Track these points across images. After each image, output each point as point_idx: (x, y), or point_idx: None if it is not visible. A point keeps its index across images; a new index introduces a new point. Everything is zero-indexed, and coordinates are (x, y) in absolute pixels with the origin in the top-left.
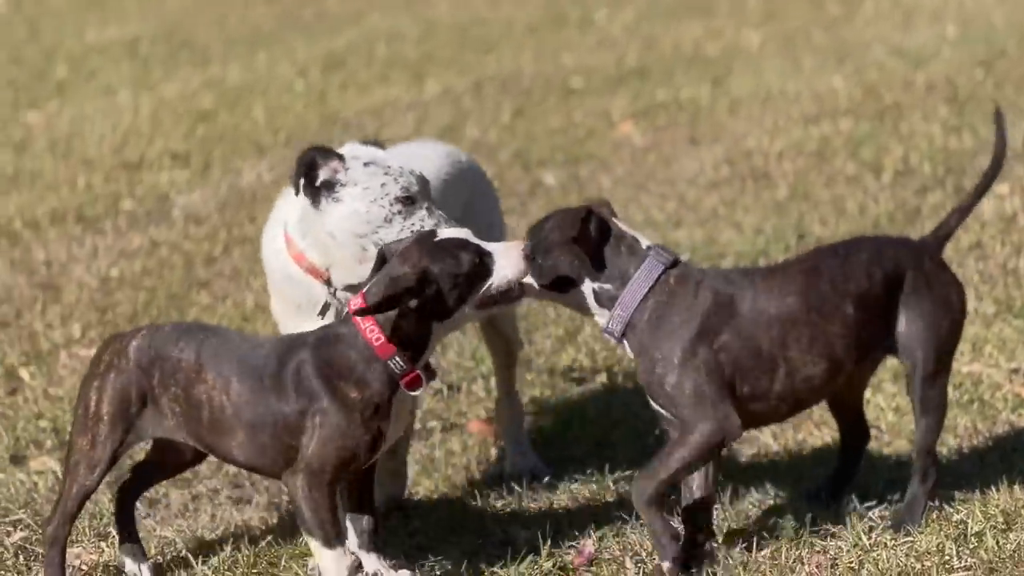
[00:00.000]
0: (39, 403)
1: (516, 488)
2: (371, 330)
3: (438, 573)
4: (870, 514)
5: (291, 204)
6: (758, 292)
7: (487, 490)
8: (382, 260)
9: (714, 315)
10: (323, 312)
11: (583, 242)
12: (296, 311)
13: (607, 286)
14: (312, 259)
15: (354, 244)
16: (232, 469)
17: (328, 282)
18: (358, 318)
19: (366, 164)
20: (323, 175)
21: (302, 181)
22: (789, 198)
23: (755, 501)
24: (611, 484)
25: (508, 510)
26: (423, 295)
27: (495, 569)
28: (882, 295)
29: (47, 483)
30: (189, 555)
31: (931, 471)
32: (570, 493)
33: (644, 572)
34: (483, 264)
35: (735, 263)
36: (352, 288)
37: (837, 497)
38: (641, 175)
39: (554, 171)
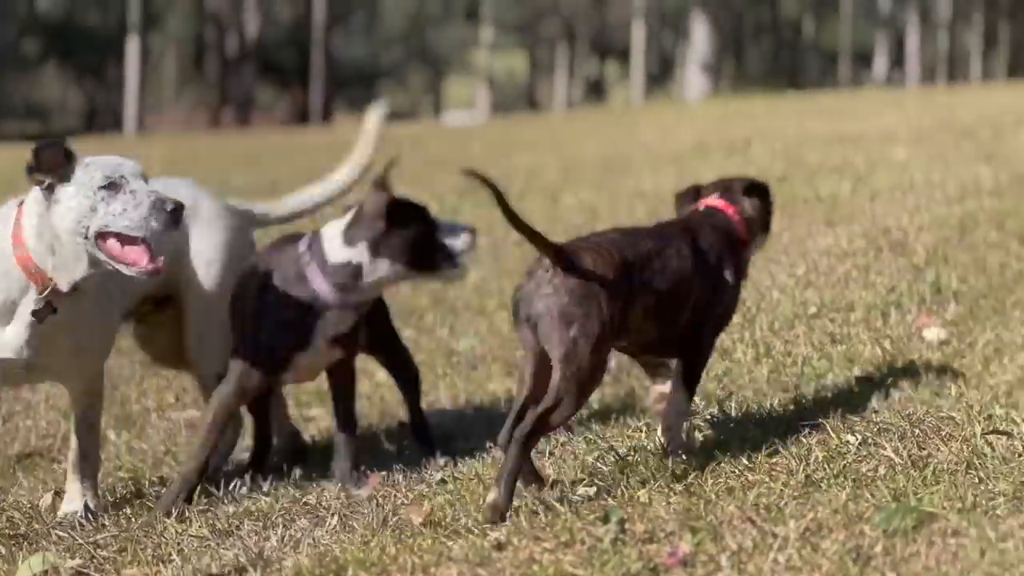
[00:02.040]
0: (121, 456)
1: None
2: None
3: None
4: None
5: (29, 208)
6: None
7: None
8: None
9: None
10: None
11: None
12: None
13: None
14: (39, 261)
15: (71, 240)
16: None
17: (45, 287)
18: None
19: (85, 164)
20: (49, 179)
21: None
22: (926, 262)
23: None
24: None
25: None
26: None
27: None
28: None
29: None
30: None
31: None
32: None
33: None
34: None
35: (865, 316)
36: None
37: None
38: (773, 251)
39: None
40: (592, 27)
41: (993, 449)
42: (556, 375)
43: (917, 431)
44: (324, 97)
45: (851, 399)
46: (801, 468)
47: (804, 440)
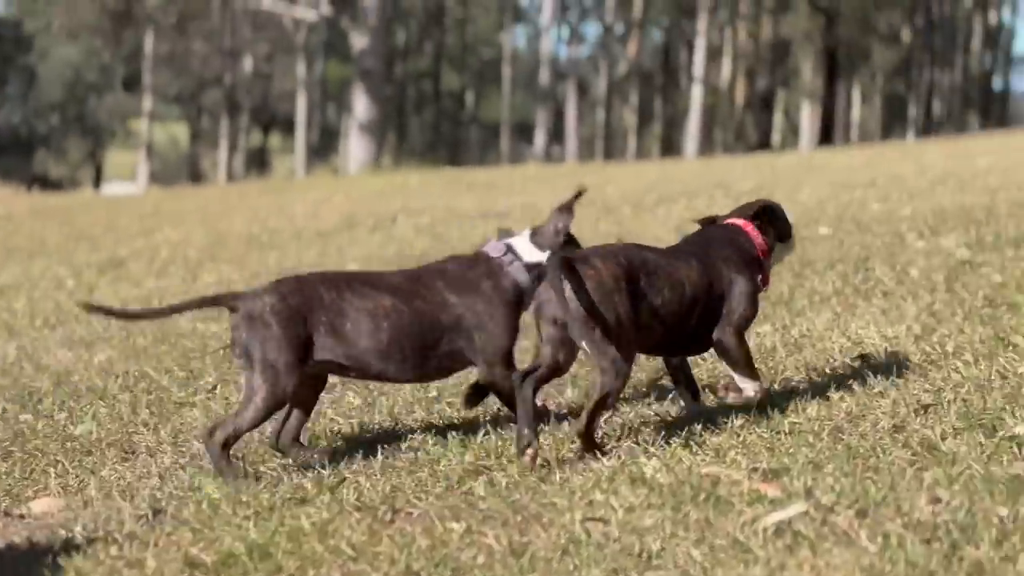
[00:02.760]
0: None
1: None
2: None
3: None
4: None
5: None
6: None
7: None
8: None
9: None
10: None
11: None
12: None
13: None
14: None
15: None
16: None
17: None
18: None
19: None
20: None
21: None
22: None
23: None
24: None
25: None
26: None
27: None
28: None
29: None
30: None
31: None
32: None
33: None
34: None
35: None
36: None
37: None
38: None
39: None
40: (255, 98)
41: (589, 536)
42: (595, 373)
43: (520, 517)
44: None
45: (459, 485)
46: (403, 557)
47: (408, 529)
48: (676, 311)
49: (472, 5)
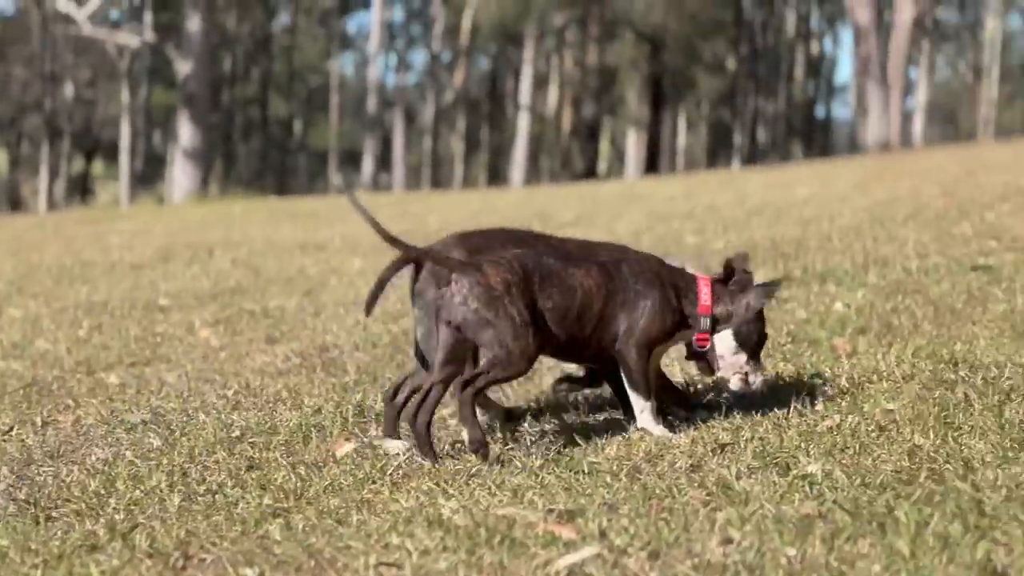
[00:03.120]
0: None
1: None
2: None
3: None
4: None
5: None
6: None
7: None
8: None
9: None
10: None
11: None
12: None
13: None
14: None
15: None
16: None
17: None
18: None
19: None
20: None
21: None
22: (356, 382)
23: None
24: None
25: None
26: None
27: None
28: None
29: None
30: None
31: None
32: None
33: None
34: None
35: (287, 439)
36: None
37: None
38: (208, 370)
39: (119, 372)
40: (77, 124)
41: None
42: (485, 357)
43: (314, 562)
44: None
45: (256, 528)
46: None
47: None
48: (565, 315)
49: (299, 32)
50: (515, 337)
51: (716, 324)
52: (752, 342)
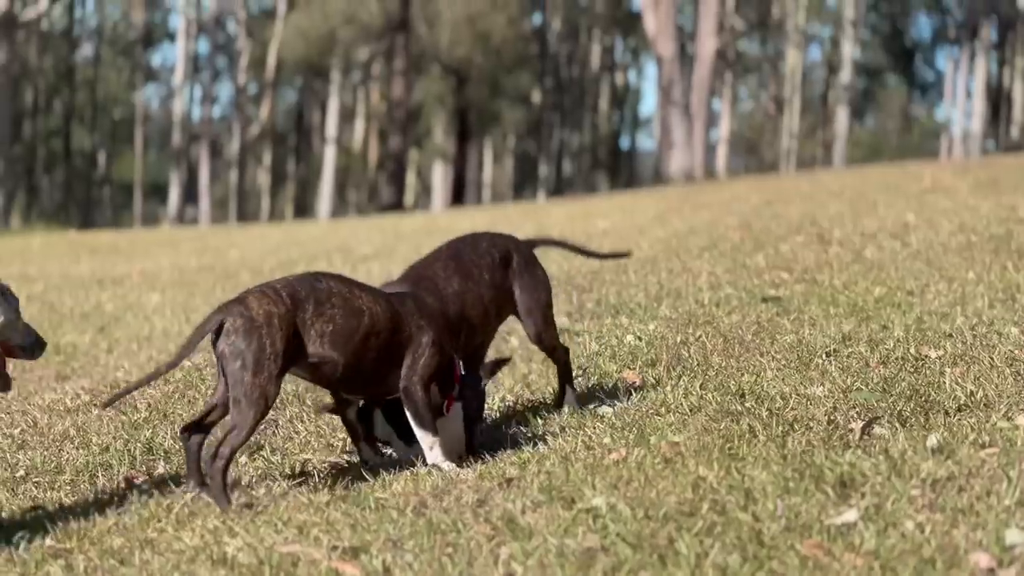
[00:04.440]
0: None
1: None
2: None
3: None
4: None
5: None
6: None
7: None
8: None
9: None
10: None
11: None
12: None
13: None
14: None
15: None
16: None
17: None
18: None
19: None
20: None
21: None
22: (145, 420)
23: None
24: None
25: None
26: None
27: None
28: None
29: None
30: None
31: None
32: None
33: None
34: None
35: (73, 478)
36: None
37: None
38: None
39: None
40: None
41: None
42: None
43: None
44: None
45: (36, 571)
46: None
47: None
48: (349, 340)
49: (103, 64)
50: (256, 371)
51: None
52: None
